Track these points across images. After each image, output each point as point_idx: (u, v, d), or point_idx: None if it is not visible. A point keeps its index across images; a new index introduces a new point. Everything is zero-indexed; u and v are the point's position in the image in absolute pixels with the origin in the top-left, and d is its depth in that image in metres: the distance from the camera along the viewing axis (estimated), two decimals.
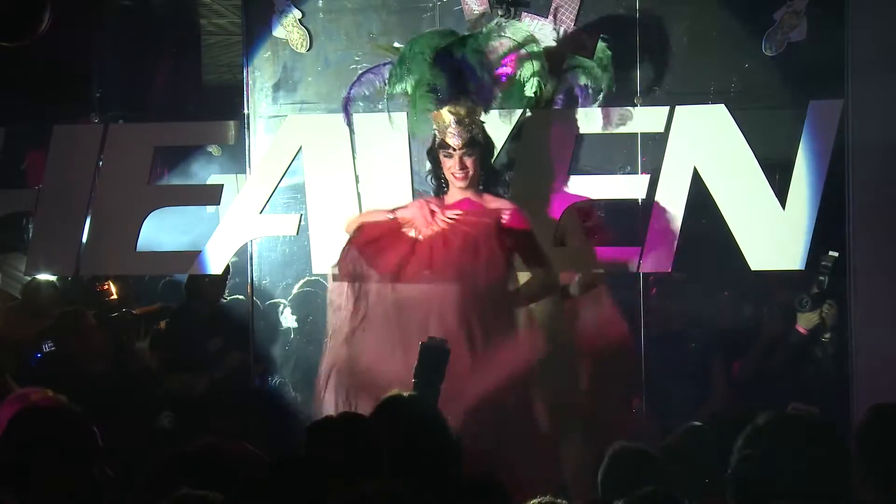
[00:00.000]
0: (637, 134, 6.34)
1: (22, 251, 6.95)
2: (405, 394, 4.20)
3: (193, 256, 6.44)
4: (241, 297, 7.07)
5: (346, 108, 5.83)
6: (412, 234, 5.29)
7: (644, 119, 6.23)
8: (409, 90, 5.45)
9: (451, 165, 5.41)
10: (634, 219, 6.34)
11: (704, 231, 6.16)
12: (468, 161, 5.39)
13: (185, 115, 7.12)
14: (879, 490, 3.37)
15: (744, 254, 6.02)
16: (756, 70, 6.33)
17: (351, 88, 5.80)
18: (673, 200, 6.08)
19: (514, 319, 5.39)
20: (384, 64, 5.73)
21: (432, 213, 5.27)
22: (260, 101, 6.57)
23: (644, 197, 6.17)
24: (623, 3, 6.43)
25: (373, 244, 5.29)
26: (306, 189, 6.32)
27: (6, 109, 6.78)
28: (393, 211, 5.45)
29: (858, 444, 3.53)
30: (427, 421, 3.84)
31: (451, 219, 5.26)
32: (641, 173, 6.30)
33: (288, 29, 6.49)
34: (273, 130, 6.48)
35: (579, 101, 6.17)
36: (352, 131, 5.98)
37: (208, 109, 7.13)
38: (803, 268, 6.06)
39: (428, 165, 5.71)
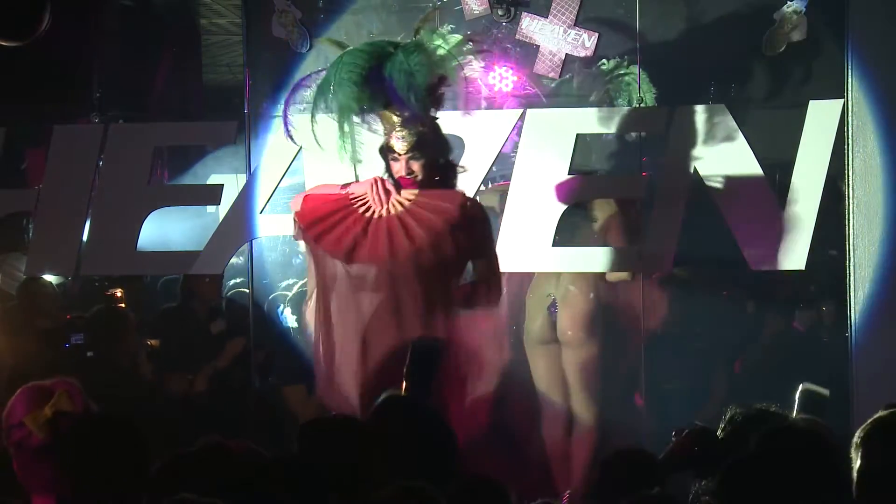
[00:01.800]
0: (637, 134, 6.35)
1: (22, 251, 6.95)
2: (401, 393, 4.21)
3: (194, 256, 6.44)
4: (244, 289, 7.06)
5: (286, 121, 5.36)
6: (363, 211, 4.91)
7: (644, 119, 6.24)
8: (336, 117, 5.00)
9: (398, 169, 5.01)
10: (635, 219, 6.36)
11: (704, 231, 6.16)
12: (415, 165, 4.98)
13: (185, 115, 7.12)
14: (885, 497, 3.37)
15: (744, 254, 6.02)
16: (756, 70, 6.33)
17: (287, 101, 5.38)
18: (673, 200, 6.09)
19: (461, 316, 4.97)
20: (318, 72, 5.25)
21: (387, 192, 4.89)
22: (260, 101, 6.57)
23: (644, 197, 6.17)
24: (623, 4, 6.43)
25: (320, 222, 4.90)
26: (306, 189, 6.32)
27: (6, 109, 6.78)
28: (344, 185, 5.06)
29: (863, 450, 3.53)
30: (425, 420, 3.85)
31: (407, 199, 4.89)
32: (641, 173, 6.30)
33: (288, 29, 6.49)
34: (273, 130, 6.47)
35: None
36: (293, 142, 5.50)
37: (208, 109, 7.14)
38: (803, 268, 6.06)
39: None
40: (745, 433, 3.71)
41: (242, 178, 6.60)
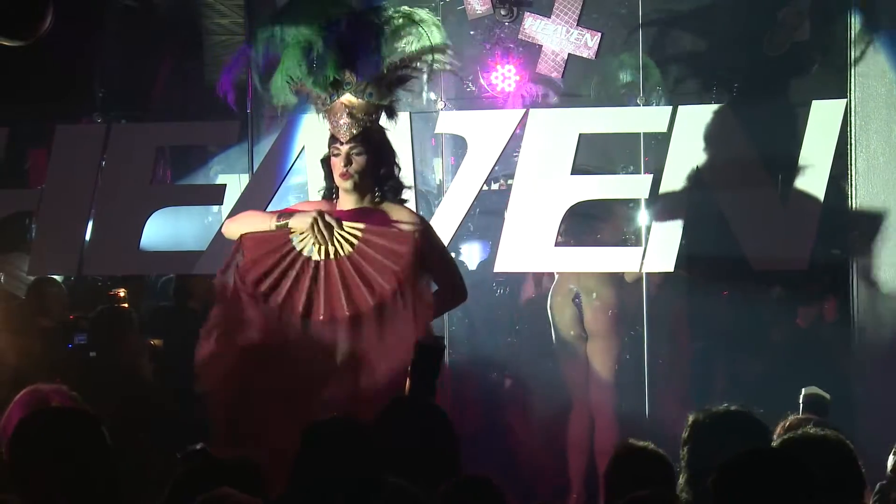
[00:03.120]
0: (640, 134, 6.35)
1: (25, 251, 6.95)
2: (406, 394, 4.20)
3: (196, 256, 6.44)
4: None
5: (225, 82, 4.92)
6: (307, 250, 4.53)
7: (647, 119, 6.24)
8: (281, 51, 4.63)
9: (336, 164, 4.62)
10: (637, 219, 6.37)
11: (706, 231, 6.16)
12: (355, 159, 4.59)
13: (187, 114, 7.12)
14: None
15: (746, 254, 6.02)
16: (759, 70, 6.33)
17: (229, 69, 4.99)
18: (675, 200, 6.09)
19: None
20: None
21: (329, 227, 4.51)
22: (263, 101, 6.56)
23: (647, 197, 6.17)
24: (625, 4, 6.43)
25: (266, 277, 4.50)
26: (309, 189, 6.32)
27: (9, 109, 6.78)
28: (280, 216, 4.63)
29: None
30: (432, 418, 3.85)
31: (353, 235, 4.54)
32: (644, 173, 6.30)
33: None
34: (276, 130, 6.47)
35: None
36: (232, 107, 5.06)
37: (211, 109, 7.14)
38: (806, 268, 6.06)
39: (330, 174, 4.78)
40: (713, 435, 3.68)
41: (245, 178, 6.60)
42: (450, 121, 6.36)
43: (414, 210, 4.87)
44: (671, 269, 6.14)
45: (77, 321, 6.65)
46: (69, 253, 6.52)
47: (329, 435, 3.55)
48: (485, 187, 6.31)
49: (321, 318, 4.48)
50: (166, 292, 7.48)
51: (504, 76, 6.57)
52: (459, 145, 6.51)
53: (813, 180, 5.99)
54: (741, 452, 3.04)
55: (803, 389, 4.56)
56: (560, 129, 6.18)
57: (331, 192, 4.74)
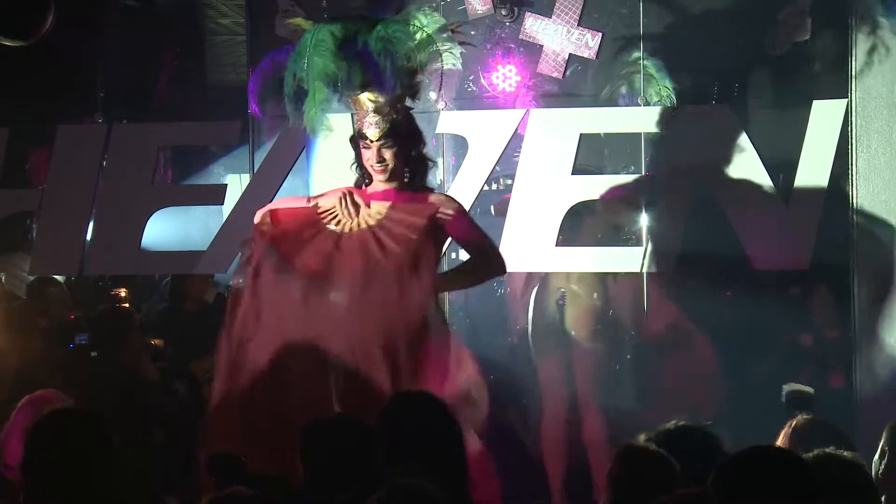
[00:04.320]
0: (641, 133, 6.35)
1: (26, 251, 6.96)
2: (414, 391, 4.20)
3: (198, 256, 6.44)
4: None
5: (255, 103, 5.01)
6: (334, 227, 4.70)
7: (648, 119, 6.24)
8: (308, 85, 4.72)
9: (369, 157, 4.77)
10: (637, 219, 6.37)
11: (707, 231, 6.16)
12: (387, 153, 4.74)
13: (189, 114, 7.12)
14: None
15: (747, 253, 6.02)
16: (760, 69, 6.33)
17: (256, 73, 4.99)
18: (676, 200, 6.09)
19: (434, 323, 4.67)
20: (290, 46, 4.90)
21: (356, 205, 4.70)
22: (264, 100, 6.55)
23: (647, 196, 6.17)
24: (626, 3, 6.43)
25: (290, 237, 4.68)
26: (311, 189, 6.33)
27: (10, 109, 6.79)
28: (311, 199, 4.85)
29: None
30: (439, 416, 3.84)
31: (378, 213, 4.68)
32: (645, 173, 6.30)
33: (291, 28, 6.49)
34: (277, 130, 6.48)
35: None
36: (259, 116, 5.20)
37: (212, 109, 7.15)
38: (806, 268, 6.06)
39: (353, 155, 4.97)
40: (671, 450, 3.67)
41: (247, 178, 6.61)
42: (451, 121, 6.37)
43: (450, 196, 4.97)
44: (671, 269, 6.15)
45: (78, 321, 6.65)
46: (70, 253, 6.52)
47: (334, 433, 3.57)
48: (485, 187, 6.32)
49: (335, 278, 4.57)
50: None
51: (505, 76, 6.58)
52: (460, 145, 6.52)
53: (814, 180, 5.99)
54: (741, 452, 3.03)
55: (784, 386, 4.52)
56: (561, 129, 6.18)
57: (363, 179, 4.86)
